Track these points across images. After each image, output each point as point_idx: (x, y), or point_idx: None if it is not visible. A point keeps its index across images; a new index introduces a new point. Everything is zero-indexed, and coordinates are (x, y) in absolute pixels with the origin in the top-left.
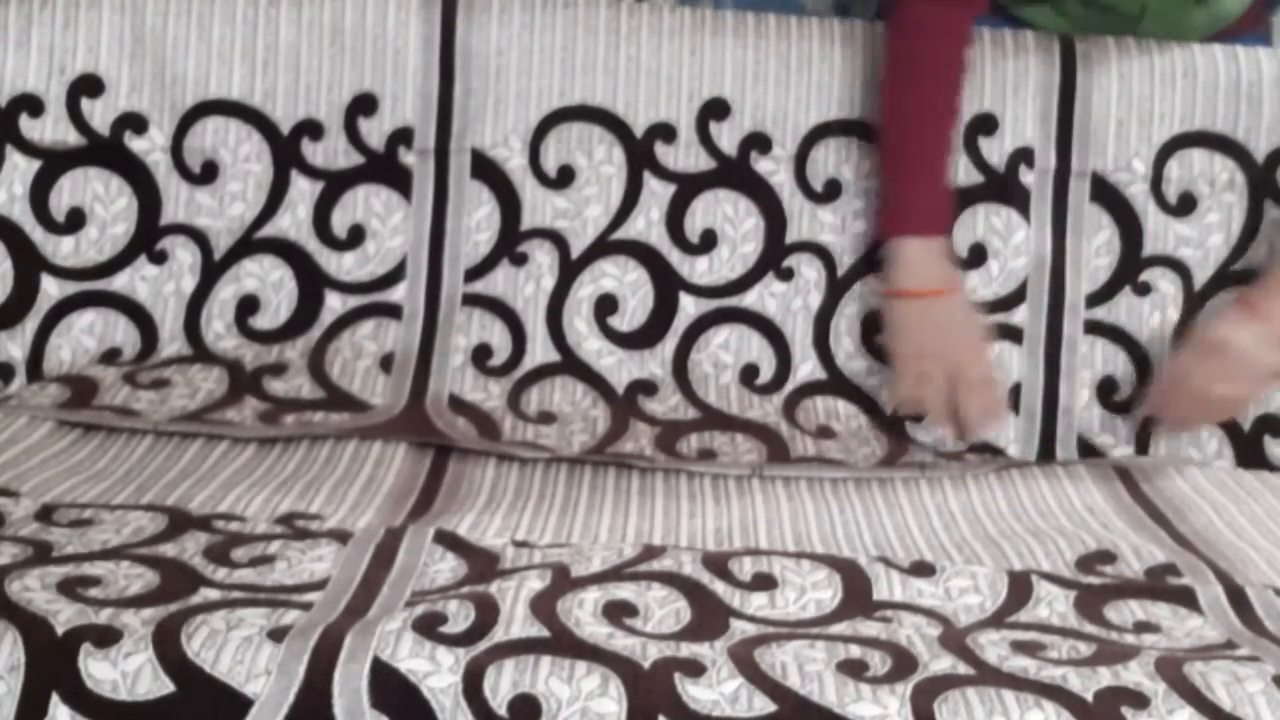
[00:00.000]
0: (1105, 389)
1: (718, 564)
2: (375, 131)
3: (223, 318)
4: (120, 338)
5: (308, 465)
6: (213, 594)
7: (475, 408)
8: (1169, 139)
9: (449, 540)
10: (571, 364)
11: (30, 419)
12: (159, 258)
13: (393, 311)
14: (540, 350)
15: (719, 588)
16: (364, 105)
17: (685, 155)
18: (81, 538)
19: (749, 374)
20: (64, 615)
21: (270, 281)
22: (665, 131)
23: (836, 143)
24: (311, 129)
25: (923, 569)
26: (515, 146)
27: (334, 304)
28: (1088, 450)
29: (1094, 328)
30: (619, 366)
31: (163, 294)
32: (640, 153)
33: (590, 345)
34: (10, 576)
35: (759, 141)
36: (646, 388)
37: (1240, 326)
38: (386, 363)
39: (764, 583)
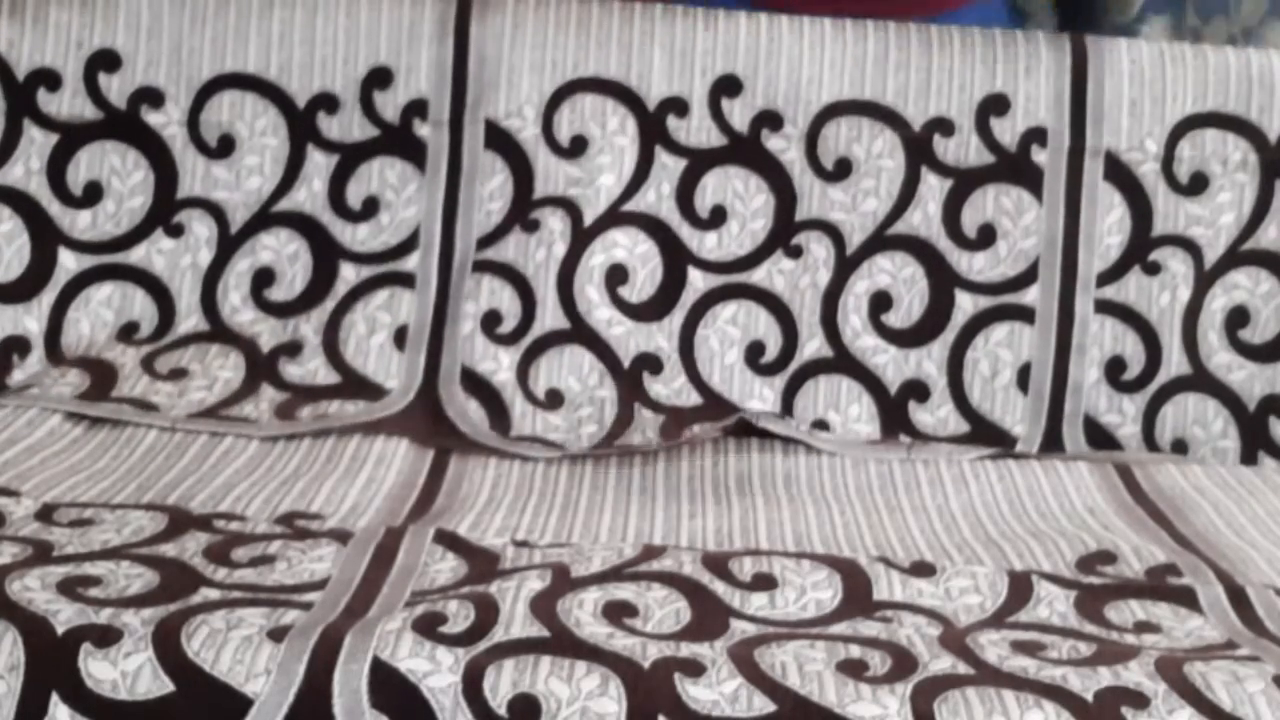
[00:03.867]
0: (1114, 368)
1: (718, 564)
2: (390, 104)
3: (239, 290)
4: (138, 311)
5: (309, 464)
6: (213, 594)
7: (486, 384)
8: (1181, 119)
9: (449, 540)
10: (581, 332)
11: (29, 420)
12: (176, 231)
13: (406, 280)
14: (550, 317)
15: (719, 588)
16: (379, 78)
17: (697, 130)
18: (82, 537)
19: (755, 351)
20: (64, 615)
21: (286, 254)
22: (678, 106)
23: (848, 121)
24: (327, 102)
25: (923, 569)
26: (529, 116)
27: (348, 274)
28: (1094, 429)
29: (1103, 306)
30: (627, 337)
31: (180, 267)
32: (652, 126)
33: (600, 314)
34: (10, 576)
35: (770, 119)
36: (652, 364)
37: None
38: (400, 337)
39: (764, 583)
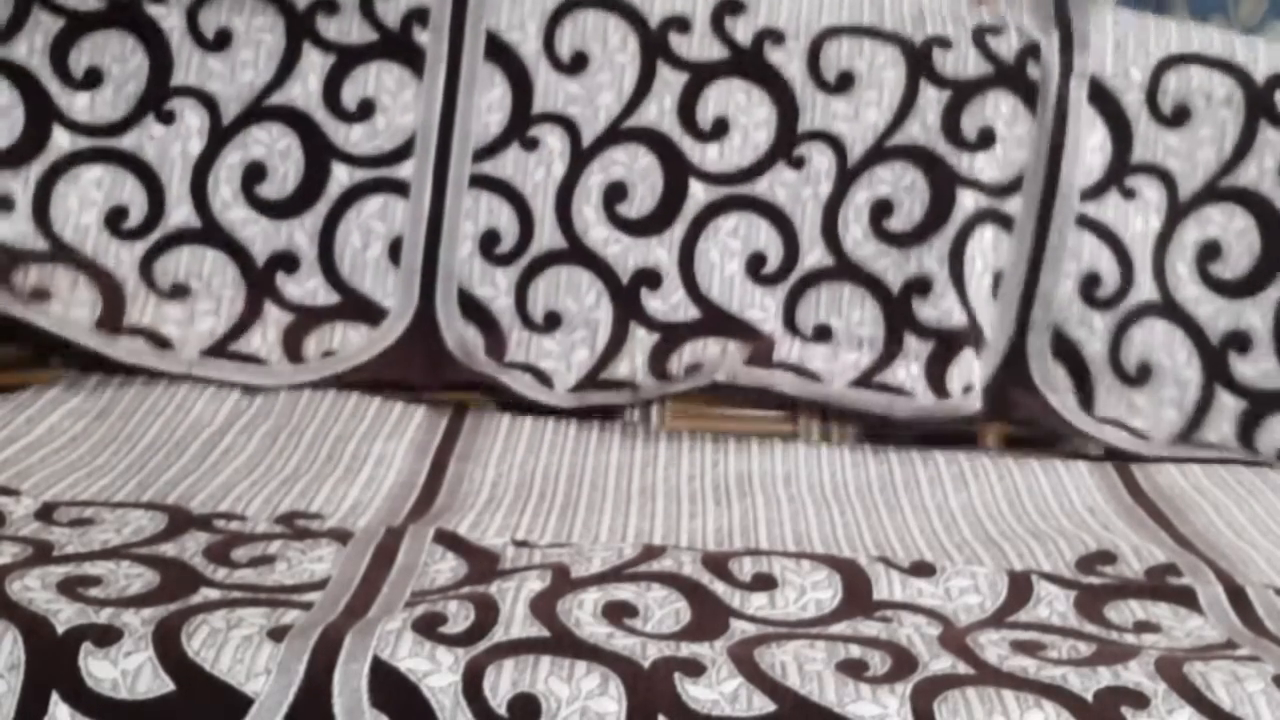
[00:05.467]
0: (1088, 283)
1: (718, 564)
2: (391, 10)
3: (230, 184)
4: (127, 196)
5: (309, 463)
6: (213, 594)
7: (484, 309)
8: (1168, 55)
9: (449, 540)
10: (578, 252)
11: (29, 418)
12: (167, 118)
13: (399, 188)
14: (548, 236)
15: (719, 588)
16: None
17: (699, 45)
18: (82, 537)
19: (756, 262)
20: (64, 614)
21: (278, 149)
22: (680, 23)
23: (850, 39)
24: (327, 4)
25: (923, 569)
26: (530, 30)
27: (341, 176)
28: (1062, 342)
29: (1083, 222)
30: (625, 254)
31: (169, 155)
32: (654, 42)
33: (598, 233)
34: (10, 576)
35: (773, 34)
36: (651, 279)
37: None
38: (395, 251)
39: (764, 583)
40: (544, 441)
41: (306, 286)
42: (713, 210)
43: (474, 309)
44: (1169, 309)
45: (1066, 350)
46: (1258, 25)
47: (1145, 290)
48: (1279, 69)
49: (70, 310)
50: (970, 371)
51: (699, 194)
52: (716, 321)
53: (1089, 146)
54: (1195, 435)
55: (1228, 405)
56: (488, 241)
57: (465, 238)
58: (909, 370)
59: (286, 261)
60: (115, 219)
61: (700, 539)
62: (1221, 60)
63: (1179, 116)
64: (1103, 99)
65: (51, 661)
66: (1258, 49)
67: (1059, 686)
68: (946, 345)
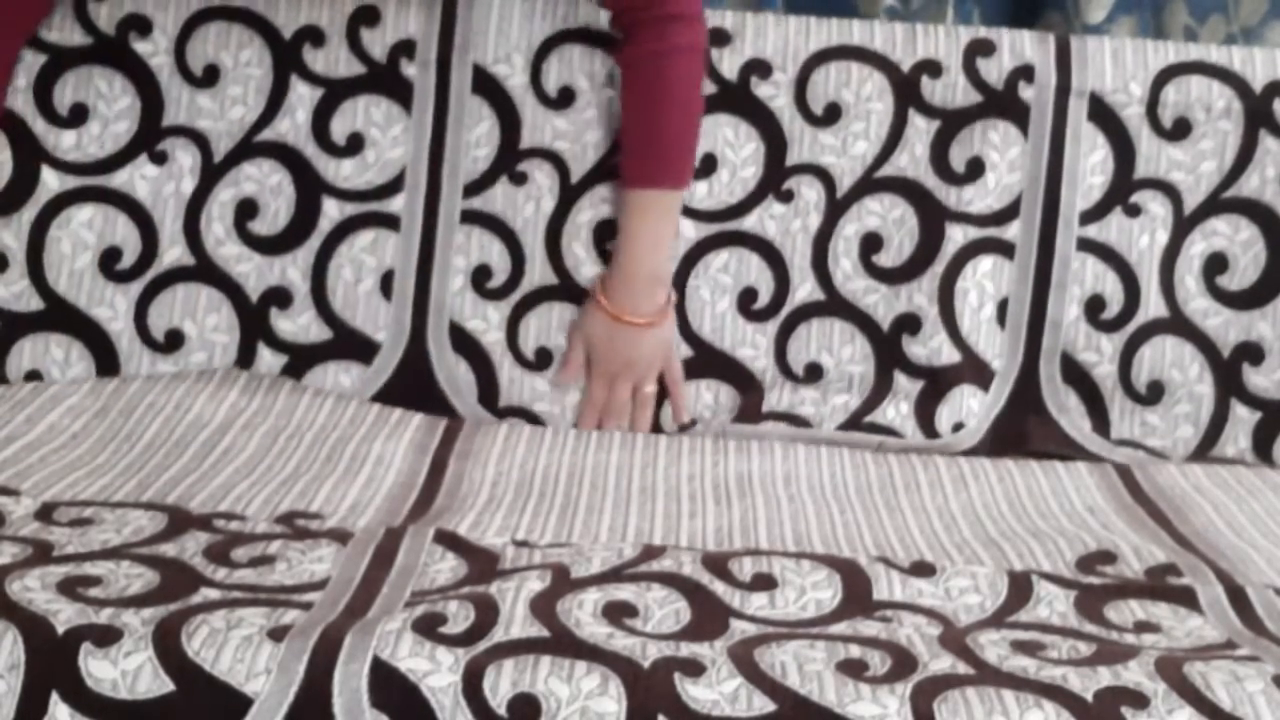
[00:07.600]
0: (1093, 306)
1: (718, 564)
2: (378, 42)
3: (222, 221)
4: (120, 237)
5: (308, 464)
6: (213, 594)
7: (475, 344)
8: (1166, 66)
9: (449, 540)
10: (569, 289)
11: (28, 416)
12: (160, 158)
13: (390, 223)
14: (539, 273)
15: (719, 588)
16: (367, 16)
17: None
18: (82, 537)
19: (747, 298)
20: (64, 615)
21: (269, 185)
22: None
23: (837, 66)
24: (313, 35)
25: (923, 569)
26: (517, 64)
27: (331, 211)
28: (1072, 366)
29: (1085, 245)
30: None
31: (162, 194)
32: None
33: (588, 271)
34: (10, 576)
35: (759, 66)
36: None
37: (598, 325)
38: (386, 285)
39: (764, 583)
40: (544, 442)
41: (299, 322)
42: (703, 247)
43: (465, 343)
44: (1178, 324)
45: (1077, 374)
46: (1258, 25)
47: (1153, 307)
48: (1275, 77)
49: (67, 373)
50: (961, 409)
51: (689, 231)
52: (707, 360)
53: (1089, 166)
54: (1213, 451)
55: (1243, 417)
56: (479, 276)
57: (457, 272)
58: (898, 409)
59: (280, 297)
60: (108, 261)
61: (700, 539)
62: (1219, 68)
63: (1180, 129)
64: (1103, 116)
65: (51, 661)
66: (1254, 57)
67: (1059, 686)
68: (936, 384)
